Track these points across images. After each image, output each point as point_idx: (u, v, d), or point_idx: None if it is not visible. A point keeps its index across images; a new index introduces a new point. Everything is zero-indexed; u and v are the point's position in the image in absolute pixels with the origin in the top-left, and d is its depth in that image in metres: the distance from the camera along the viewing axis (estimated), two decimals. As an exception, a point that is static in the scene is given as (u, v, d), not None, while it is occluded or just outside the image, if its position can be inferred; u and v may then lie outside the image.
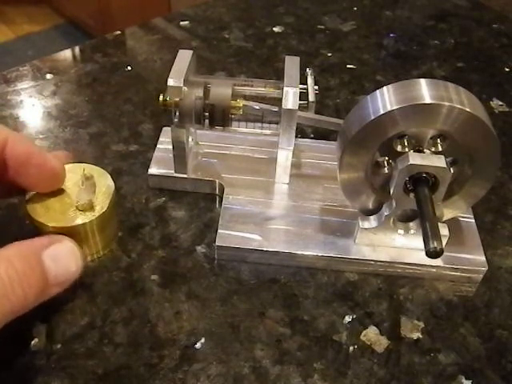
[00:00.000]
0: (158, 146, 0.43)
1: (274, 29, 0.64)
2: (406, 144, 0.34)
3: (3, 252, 0.27)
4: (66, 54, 0.58)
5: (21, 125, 0.47)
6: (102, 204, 0.34)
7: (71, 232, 0.32)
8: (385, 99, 0.32)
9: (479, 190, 0.35)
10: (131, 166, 0.43)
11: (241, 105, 0.38)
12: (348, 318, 0.34)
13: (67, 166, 0.35)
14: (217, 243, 0.36)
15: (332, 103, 0.52)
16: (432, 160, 0.32)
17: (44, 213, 0.33)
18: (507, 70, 0.59)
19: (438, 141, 0.34)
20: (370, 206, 0.37)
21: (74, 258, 0.30)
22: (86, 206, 0.34)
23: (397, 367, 0.32)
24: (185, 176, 0.41)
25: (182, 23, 0.64)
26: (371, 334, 0.33)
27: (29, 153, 0.32)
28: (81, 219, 0.33)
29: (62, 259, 0.30)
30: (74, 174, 0.35)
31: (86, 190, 0.34)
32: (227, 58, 0.58)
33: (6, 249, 0.28)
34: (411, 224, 0.36)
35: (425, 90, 0.31)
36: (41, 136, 0.46)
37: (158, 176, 0.41)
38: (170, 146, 0.39)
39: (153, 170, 0.41)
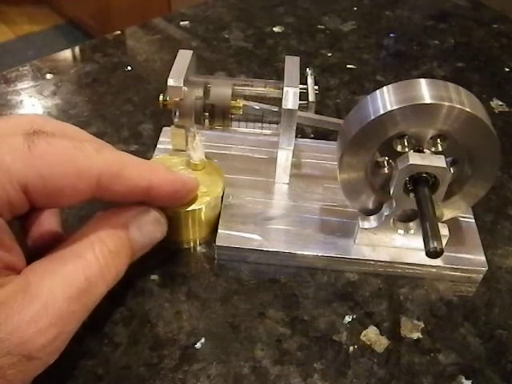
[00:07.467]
0: (157, 146, 0.43)
1: (274, 29, 0.64)
2: (406, 144, 0.34)
3: (94, 229, 0.28)
4: (66, 54, 0.58)
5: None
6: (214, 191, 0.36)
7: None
8: (385, 99, 0.32)
9: (479, 189, 0.35)
10: (131, 166, 0.43)
11: (241, 105, 0.38)
12: (348, 318, 0.34)
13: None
14: (217, 243, 0.36)
15: (332, 103, 0.52)
16: (432, 160, 0.32)
17: None
18: (507, 69, 0.59)
19: (438, 141, 0.34)
20: (370, 206, 0.37)
21: (158, 226, 0.32)
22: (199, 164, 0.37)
23: (397, 367, 0.32)
24: (185, 176, 0.41)
25: (181, 23, 0.64)
26: (371, 334, 0.33)
27: (175, 191, 0.32)
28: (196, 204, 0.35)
29: (148, 228, 0.31)
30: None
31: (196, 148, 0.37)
32: (227, 57, 0.58)
33: (97, 224, 0.28)
34: (411, 224, 0.36)
35: (425, 90, 0.31)
36: (41, 136, 0.46)
37: (158, 176, 0.41)
38: (170, 146, 0.39)
39: (153, 170, 0.41)
